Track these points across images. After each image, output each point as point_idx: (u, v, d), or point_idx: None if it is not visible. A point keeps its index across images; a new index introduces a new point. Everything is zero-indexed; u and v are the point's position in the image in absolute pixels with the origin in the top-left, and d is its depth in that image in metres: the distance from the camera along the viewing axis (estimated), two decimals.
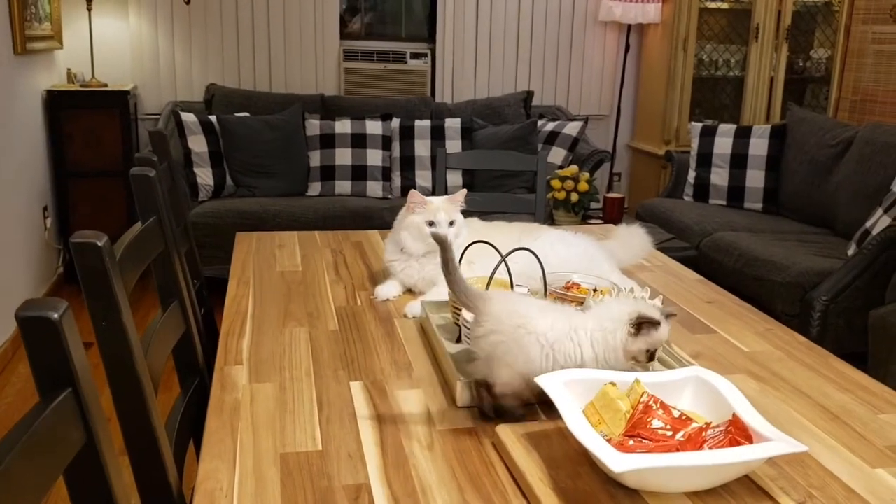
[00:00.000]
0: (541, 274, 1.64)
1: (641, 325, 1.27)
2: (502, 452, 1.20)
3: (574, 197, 3.88)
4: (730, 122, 5.12)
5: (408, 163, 4.63)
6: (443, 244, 1.31)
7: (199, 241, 4.00)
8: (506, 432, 1.23)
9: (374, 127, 4.58)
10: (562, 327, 1.27)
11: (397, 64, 5.17)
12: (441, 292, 1.80)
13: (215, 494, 1.10)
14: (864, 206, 3.75)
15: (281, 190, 4.45)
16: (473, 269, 1.87)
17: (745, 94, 5.27)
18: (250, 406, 1.35)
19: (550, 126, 4.81)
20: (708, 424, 1.11)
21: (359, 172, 4.53)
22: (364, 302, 1.88)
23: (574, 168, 3.99)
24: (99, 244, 1.01)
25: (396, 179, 4.64)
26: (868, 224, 3.51)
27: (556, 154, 4.69)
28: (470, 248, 1.79)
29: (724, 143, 4.47)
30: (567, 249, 1.98)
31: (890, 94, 4.59)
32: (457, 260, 1.32)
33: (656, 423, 1.09)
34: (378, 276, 2.04)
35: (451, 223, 1.89)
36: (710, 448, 1.06)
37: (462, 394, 1.36)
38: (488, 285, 1.46)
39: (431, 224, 1.87)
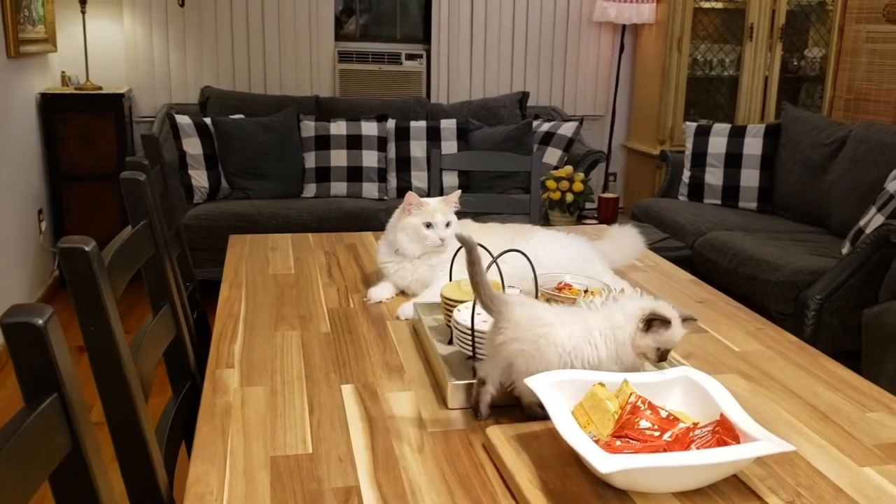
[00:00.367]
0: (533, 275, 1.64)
1: (652, 321, 1.27)
2: (492, 454, 1.21)
3: (569, 197, 3.88)
4: (725, 121, 5.13)
5: (403, 164, 4.63)
6: (468, 245, 1.31)
7: (193, 243, 4.00)
8: (496, 433, 1.23)
9: (369, 128, 4.58)
10: (579, 333, 1.28)
11: (392, 65, 5.18)
12: (434, 294, 1.81)
13: (205, 498, 1.10)
14: (858, 205, 3.76)
15: (276, 192, 4.45)
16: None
17: (740, 93, 5.28)
18: (241, 409, 1.35)
19: (546, 127, 4.82)
20: (695, 425, 1.12)
21: (354, 174, 4.53)
22: (357, 304, 1.88)
23: (569, 169, 4.00)
24: (86, 249, 1.01)
25: (392, 181, 4.64)
26: (862, 223, 3.52)
27: (552, 154, 4.69)
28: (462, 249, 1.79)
29: (718, 142, 4.48)
30: (560, 250, 1.98)
31: (884, 92, 4.60)
32: (482, 263, 1.31)
33: (644, 424, 1.10)
34: (371, 278, 2.04)
35: (447, 224, 1.89)
36: (698, 448, 1.06)
37: (453, 396, 1.37)
38: None
39: (429, 226, 1.87)
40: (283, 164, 4.48)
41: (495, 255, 1.59)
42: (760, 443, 1.05)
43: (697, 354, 1.62)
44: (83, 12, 4.46)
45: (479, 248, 1.73)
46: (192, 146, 4.33)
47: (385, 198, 4.55)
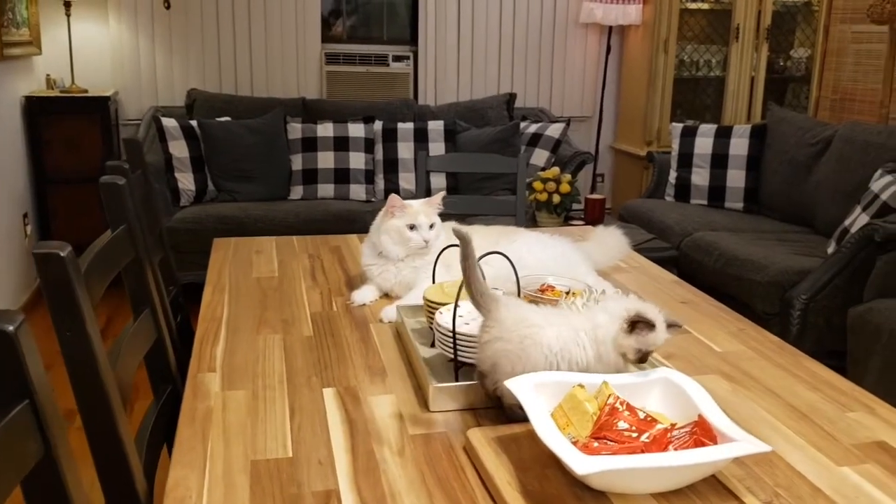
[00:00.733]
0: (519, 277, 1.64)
1: (636, 323, 1.27)
2: (472, 456, 1.21)
3: (556, 199, 3.89)
4: (711, 122, 5.14)
5: (391, 165, 4.63)
6: (463, 239, 1.31)
7: (180, 246, 3.99)
8: (476, 436, 1.23)
9: (356, 130, 4.58)
10: (567, 334, 1.28)
11: (379, 67, 5.18)
12: (417, 296, 1.81)
13: (184, 503, 1.10)
14: (844, 205, 3.78)
15: (263, 194, 4.44)
16: (451, 272, 1.88)
17: (726, 94, 5.29)
18: (222, 413, 1.35)
19: (533, 128, 4.82)
20: (673, 426, 1.12)
21: (341, 176, 4.53)
22: (340, 307, 1.88)
23: (555, 170, 4.00)
24: (62, 254, 1.00)
25: (379, 182, 4.64)
26: (847, 222, 3.54)
27: (539, 156, 4.70)
28: (447, 251, 1.79)
29: (704, 143, 4.50)
30: (544, 251, 1.98)
31: (869, 92, 4.63)
32: (476, 258, 1.31)
33: (622, 425, 1.10)
34: (355, 281, 2.04)
35: (431, 226, 1.89)
36: (675, 449, 1.07)
37: (435, 398, 1.37)
38: (461, 288, 1.46)
39: (412, 228, 1.87)
40: (270, 166, 4.47)
41: (479, 256, 1.59)
42: (737, 443, 1.05)
43: (679, 355, 1.63)
44: (68, 15, 4.44)
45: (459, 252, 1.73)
46: (179, 149, 4.32)
47: (372, 199, 4.55)
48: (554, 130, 4.76)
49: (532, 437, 1.23)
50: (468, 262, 1.30)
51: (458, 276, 1.65)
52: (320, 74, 5.12)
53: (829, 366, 1.66)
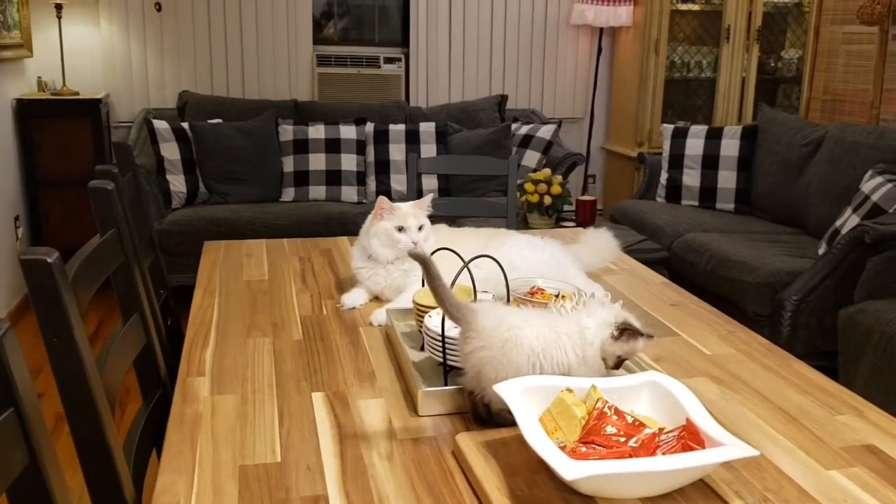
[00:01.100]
0: (508, 280, 1.64)
1: (624, 331, 1.29)
2: (461, 461, 1.21)
3: (547, 200, 3.89)
4: (702, 123, 5.16)
5: (382, 167, 4.63)
6: (424, 261, 1.30)
7: (171, 248, 3.99)
8: (465, 440, 1.23)
9: (348, 132, 4.57)
10: (548, 335, 1.28)
11: (371, 68, 5.17)
12: (407, 299, 1.81)
13: None
14: (835, 206, 3.79)
15: (254, 196, 4.43)
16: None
17: (717, 95, 5.31)
18: (211, 418, 1.35)
19: (524, 129, 4.83)
20: (661, 430, 1.12)
21: (333, 177, 4.52)
22: (330, 311, 1.88)
23: (547, 171, 4.00)
24: (49, 261, 1.00)
25: (371, 184, 4.63)
26: (838, 223, 3.55)
27: (531, 157, 4.70)
28: (436, 254, 1.79)
29: (695, 144, 4.50)
30: (533, 254, 1.98)
31: (859, 93, 4.64)
32: (441, 274, 1.31)
33: (610, 430, 1.10)
34: (345, 284, 2.04)
35: (420, 228, 1.89)
36: (663, 453, 1.07)
37: (424, 403, 1.37)
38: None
39: (401, 230, 1.87)
40: (262, 168, 4.47)
41: (468, 259, 1.59)
42: (724, 448, 1.05)
43: (668, 358, 1.63)
44: (59, 17, 4.43)
45: (450, 254, 1.73)
46: (170, 151, 4.31)
47: (364, 201, 4.55)
48: (545, 132, 4.76)
49: (521, 441, 1.23)
50: (435, 281, 1.29)
51: (448, 278, 1.65)
52: (312, 76, 5.11)
53: (819, 367, 1.67)
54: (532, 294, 1.75)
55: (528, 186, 3.92)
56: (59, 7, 4.40)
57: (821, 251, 3.53)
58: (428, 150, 4.64)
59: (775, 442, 1.30)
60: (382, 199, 1.88)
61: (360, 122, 4.65)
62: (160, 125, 4.32)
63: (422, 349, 1.60)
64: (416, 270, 1.87)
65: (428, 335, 1.49)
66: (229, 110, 4.68)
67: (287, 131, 4.54)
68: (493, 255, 1.62)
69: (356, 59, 5.15)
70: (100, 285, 1.41)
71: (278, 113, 4.67)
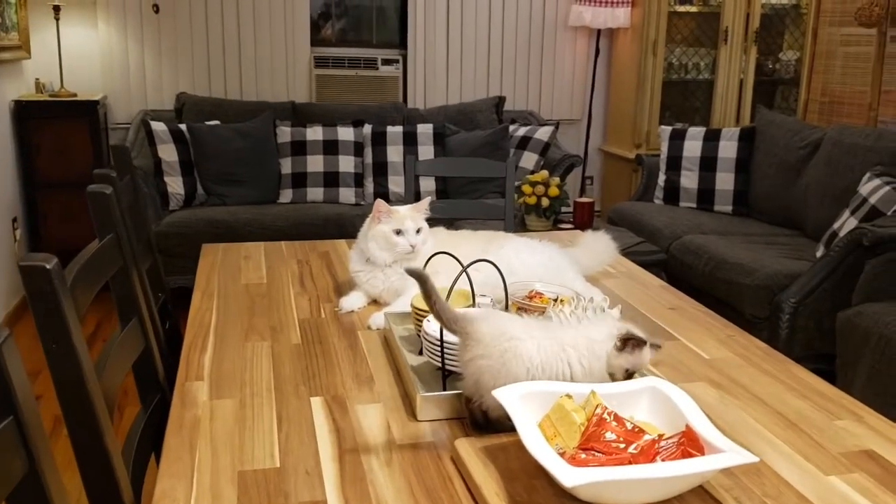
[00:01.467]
0: (507, 284, 1.64)
1: (627, 341, 1.28)
2: (460, 466, 1.21)
3: (545, 202, 3.89)
4: (700, 125, 5.16)
5: (380, 169, 4.63)
6: (420, 278, 1.30)
7: (169, 250, 3.98)
8: (464, 446, 1.23)
9: (345, 133, 4.57)
10: (550, 347, 1.27)
11: (369, 70, 5.17)
12: (405, 303, 1.80)
13: None
14: (833, 208, 3.79)
15: (252, 198, 4.43)
16: (439, 279, 1.87)
17: (715, 97, 5.31)
18: (210, 423, 1.35)
19: (522, 131, 4.83)
20: (661, 436, 1.12)
21: (331, 179, 4.52)
22: (328, 314, 1.87)
23: (544, 173, 4.00)
24: (47, 267, 1.00)
25: (369, 186, 4.63)
26: (836, 226, 3.55)
27: (528, 159, 4.70)
28: (434, 258, 1.79)
29: (693, 146, 4.51)
30: (532, 257, 1.98)
31: (857, 95, 4.65)
32: (437, 292, 1.30)
33: (609, 436, 1.10)
34: (343, 287, 2.03)
35: (418, 231, 1.89)
36: (663, 460, 1.07)
37: (422, 408, 1.36)
38: (448, 295, 1.47)
39: (399, 233, 1.87)
40: (260, 170, 4.46)
41: (466, 263, 1.59)
42: (724, 454, 1.05)
43: (667, 362, 1.63)
44: (57, 19, 4.42)
45: (448, 257, 1.73)
46: (168, 153, 4.30)
47: (362, 203, 4.55)
48: (543, 133, 4.76)
49: (520, 447, 1.23)
50: (431, 298, 1.29)
51: (447, 282, 1.65)
52: (310, 78, 5.11)
53: (817, 369, 1.67)
54: (530, 298, 1.75)
55: (526, 188, 3.92)
56: (57, 9, 4.40)
57: (819, 253, 3.53)
58: (425, 151, 4.64)
59: (774, 447, 1.30)
60: (380, 203, 1.88)
61: (357, 123, 4.65)
62: (158, 127, 4.31)
63: (420, 353, 1.60)
64: None
65: (426, 339, 1.49)
66: (227, 112, 4.68)
67: (285, 133, 4.54)
68: (492, 258, 1.62)
69: (354, 60, 5.15)
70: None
71: (276, 114, 4.67)
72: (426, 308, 1.61)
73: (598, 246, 2.22)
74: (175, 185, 4.31)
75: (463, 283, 1.63)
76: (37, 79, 4.57)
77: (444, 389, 1.43)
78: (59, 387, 1.06)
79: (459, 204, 3.14)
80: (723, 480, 1.17)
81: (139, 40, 4.82)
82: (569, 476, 0.99)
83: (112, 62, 4.80)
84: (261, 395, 1.45)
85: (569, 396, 1.19)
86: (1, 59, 3.97)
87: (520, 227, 3.91)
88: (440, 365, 1.45)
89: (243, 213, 4.18)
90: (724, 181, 4.45)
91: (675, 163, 4.55)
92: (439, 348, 1.43)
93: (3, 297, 3.94)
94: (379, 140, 4.63)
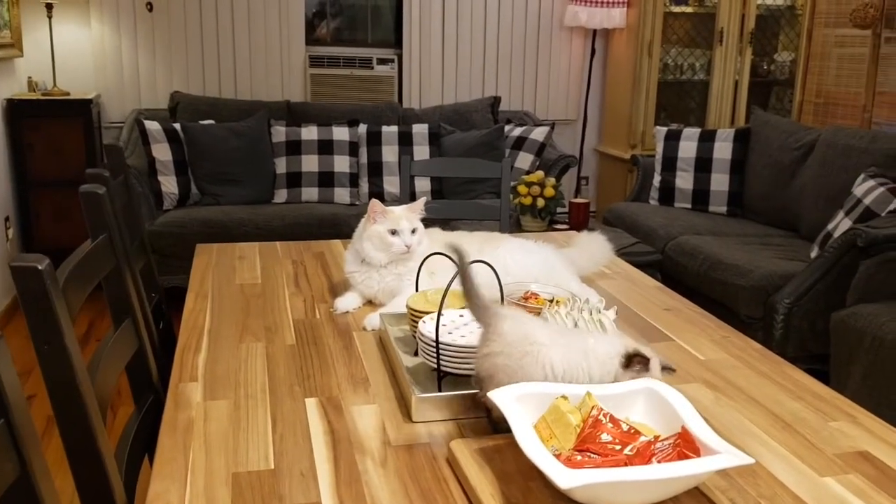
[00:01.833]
0: (502, 284, 1.64)
1: (632, 358, 1.27)
2: (455, 468, 1.20)
3: (540, 202, 3.89)
4: (696, 125, 5.16)
5: (375, 169, 4.62)
6: (460, 254, 1.30)
7: (163, 250, 3.97)
8: (459, 447, 1.22)
9: (340, 133, 4.56)
10: (575, 358, 1.27)
11: (364, 69, 5.16)
12: (401, 304, 1.80)
13: None
14: (827, 209, 3.80)
15: (247, 198, 4.42)
16: (434, 279, 1.88)
17: (710, 97, 5.31)
18: (204, 424, 1.34)
19: (517, 131, 4.82)
20: (657, 438, 1.12)
21: (326, 179, 4.51)
22: (323, 315, 1.87)
23: (540, 174, 4.00)
24: (39, 268, 0.99)
25: (364, 186, 4.62)
26: (830, 227, 3.56)
27: (524, 159, 4.70)
28: (430, 258, 1.78)
29: (688, 146, 4.51)
30: (527, 258, 1.98)
31: (851, 96, 4.66)
32: (470, 272, 1.30)
33: (605, 437, 1.10)
34: (338, 288, 2.03)
35: (413, 231, 1.89)
36: (659, 462, 1.06)
37: (418, 409, 1.36)
38: (444, 296, 1.46)
39: (394, 233, 1.86)
40: (254, 169, 4.45)
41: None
42: (720, 456, 1.05)
43: None
44: (49, 17, 4.40)
45: (445, 259, 1.73)
46: (162, 152, 4.29)
47: (357, 203, 4.54)
48: (538, 134, 4.76)
49: (515, 448, 1.22)
50: (468, 282, 1.29)
51: (442, 283, 1.65)
52: (304, 77, 5.10)
53: (811, 370, 1.67)
54: (526, 299, 1.75)
55: (522, 189, 3.92)
56: (49, 6, 4.38)
57: (813, 254, 3.53)
58: (421, 151, 4.64)
59: (769, 448, 1.29)
60: (375, 203, 1.87)
61: (352, 123, 4.64)
62: (152, 126, 4.30)
63: (416, 354, 1.59)
64: (410, 275, 1.86)
65: (422, 340, 1.48)
66: (221, 111, 4.66)
67: (279, 132, 4.53)
68: (487, 259, 1.62)
69: (349, 59, 5.14)
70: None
71: (271, 114, 4.66)
72: (422, 309, 1.61)
73: (594, 247, 2.22)
74: (169, 184, 4.30)
75: (459, 284, 1.63)
76: (29, 77, 4.55)
77: (440, 391, 1.42)
78: (51, 387, 1.05)
79: (455, 204, 3.14)
80: (718, 482, 1.17)
81: (133, 39, 4.80)
82: (564, 478, 0.99)
83: (105, 61, 4.78)
84: (255, 397, 1.44)
85: (564, 398, 1.19)
86: None
87: (515, 227, 3.90)
88: (435, 366, 1.44)
89: (238, 213, 4.17)
90: (719, 182, 4.46)
91: (670, 163, 4.55)
92: (435, 349, 1.43)
93: None
94: (374, 140, 4.62)
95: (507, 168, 2.88)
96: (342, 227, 4.12)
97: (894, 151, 3.62)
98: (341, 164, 4.53)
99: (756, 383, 1.54)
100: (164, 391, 1.52)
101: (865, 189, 3.47)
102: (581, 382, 1.26)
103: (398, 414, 1.39)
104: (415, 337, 1.60)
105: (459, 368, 1.42)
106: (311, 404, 1.41)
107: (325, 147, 4.52)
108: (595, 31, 5.41)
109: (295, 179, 4.50)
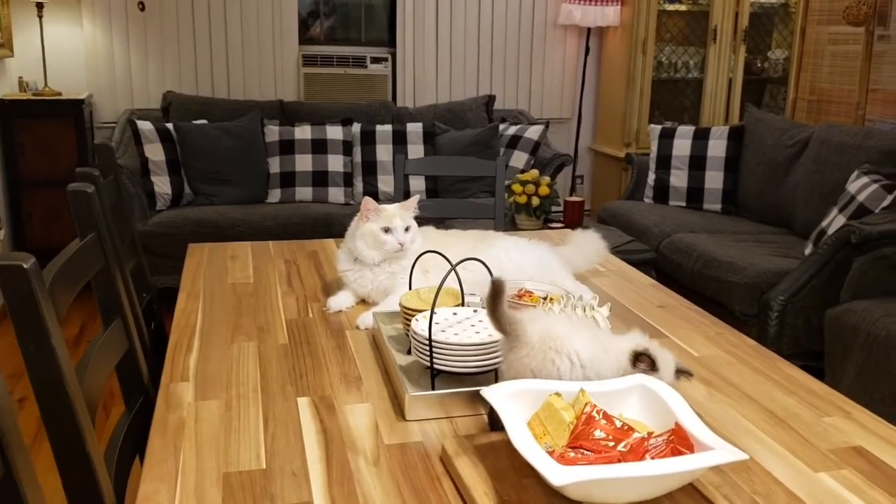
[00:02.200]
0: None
1: (639, 357, 1.27)
2: (448, 466, 1.19)
3: (535, 201, 3.88)
4: (690, 123, 5.16)
5: (369, 168, 4.61)
6: (497, 284, 1.29)
7: (156, 250, 3.95)
8: (453, 445, 1.22)
9: (334, 132, 4.55)
10: (596, 348, 1.28)
11: (357, 68, 5.15)
12: (394, 302, 1.79)
13: None
14: (821, 206, 3.80)
15: (240, 198, 4.40)
16: (428, 277, 1.87)
17: (704, 95, 5.31)
18: (195, 424, 1.33)
19: (512, 130, 4.82)
20: (650, 434, 1.11)
21: (319, 178, 4.50)
22: (316, 314, 1.86)
23: (534, 172, 3.99)
24: (25, 266, 0.98)
25: (358, 185, 4.61)
26: (824, 224, 3.55)
27: (518, 158, 4.69)
28: (424, 256, 1.77)
29: (682, 144, 4.51)
30: (522, 256, 1.97)
31: (845, 94, 4.66)
32: (506, 301, 1.31)
33: (598, 434, 1.09)
34: (331, 287, 2.02)
35: (407, 229, 1.88)
36: (652, 458, 1.06)
37: (411, 407, 1.35)
38: (437, 294, 1.45)
39: (387, 231, 1.85)
40: (247, 169, 4.44)
41: (456, 262, 1.57)
42: (713, 452, 1.04)
43: None
44: (40, 16, 4.38)
45: (438, 257, 1.72)
46: (154, 152, 4.27)
47: (351, 202, 4.53)
48: (533, 132, 4.75)
49: (509, 446, 1.22)
50: (496, 303, 1.29)
51: (435, 281, 1.64)
52: (298, 76, 5.09)
53: (806, 366, 1.66)
54: (520, 297, 1.74)
55: (516, 187, 3.91)
56: (40, 6, 4.35)
57: (807, 251, 3.53)
58: (415, 150, 4.63)
59: (763, 444, 1.29)
60: (368, 201, 1.86)
61: (346, 122, 4.63)
62: (144, 126, 4.28)
63: (409, 353, 1.58)
64: (403, 273, 1.85)
65: (415, 339, 1.47)
66: (214, 111, 4.64)
67: (273, 132, 4.52)
68: (481, 257, 1.61)
69: (342, 58, 5.13)
70: (82, 288, 1.39)
71: (264, 113, 4.64)
72: (414, 307, 1.60)
73: (588, 244, 2.21)
74: (162, 184, 4.28)
75: (452, 282, 1.62)
76: (20, 77, 4.53)
77: (433, 389, 1.41)
78: (38, 389, 1.04)
79: (449, 203, 3.13)
80: (712, 478, 1.17)
81: (125, 38, 4.78)
82: (557, 475, 0.98)
83: (97, 60, 4.76)
84: (247, 396, 1.43)
85: (558, 395, 1.18)
86: None
87: (510, 226, 3.89)
88: (429, 364, 1.43)
89: (231, 213, 4.16)
90: (714, 180, 4.46)
91: (664, 161, 4.55)
92: (428, 348, 1.42)
93: None
94: (368, 139, 4.61)
95: (501, 166, 2.87)
96: (336, 226, 4.11)
97: (887, 148, 3.62)
98: (335, 163, 4.52)
99: (750, 379, 1.54)
100: (156, 392, 1.51)
101: (859, 186, 3.47)
102: (604, 371, 1.27)
103: (391, 413, 1.38)
104: (408, 335, 1.59)
105: (453, 366, 1.41)
106: (304, 404, 1.41)
107: (319, 146, 4.51)
108: (589, 30, 5.41)
109: (289, 179, 4.48)
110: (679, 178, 4.51)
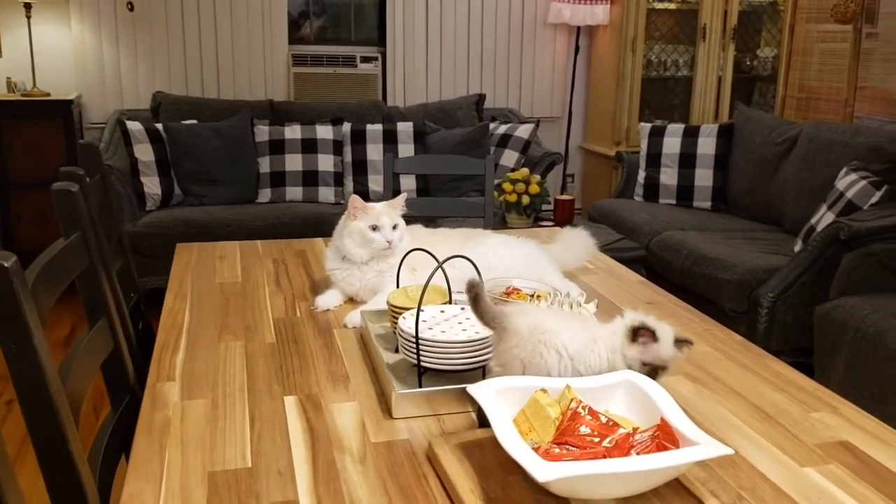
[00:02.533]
0: (484, 280, 1.62)
1: (638, 331, 1.27)
2: (435, 464, 1.19)
3: (525, 200, 3.88)
4: (680, 121, 5.17)
5: (360, 168, 4.60)
6: (473, 287, 1.32)
7: (146, 251, 3.94)
8: (439, 443, 1.21)
9: (324, 132, 4.54)
10: (583, 339, 1.29)
11: (347, 68, 5.14)
12: (382, 301, 1.79)
13: None
14: (810, 203, 3.81)
15: (230, 198, 4.39)
16: (416, 275, 1.87)
17: (694, 93, 5.32)
18: (181, 424, 1.32)
19: (502, 129, 4.82)
20: (635, 430, 1.11)
21: (310, 178, 4.49)
22: (304, 313, 1.85)
23: (525, 171, 3.99)
24: (5, 265, 0.97)
25: (349, 184, 4.60)
26: (813, 221, 3.56)
27: (509, 157, 4.69)
28: (411, 255, 1.77)
29: (672, 142, 4.52)
30: (510, 254, 1.97)
31: (833, 91, 4.67)
32: (485, 297, 1.32)
33: (584, 430, 1.09)
34: (319, 286, 2.01)
35: (395, 227, 1.87)
36: (637, 454, 1.06)
37: (398, 405, 1.35)
38: (423, 292, 1.45)
39: (375, 229, 1.85)
40: (237, 169, 4.42)
41: (442, 260, 1.57)
42: (698, 447, 1.04)
43: None
44: (28, 17, 4.36)
45: (426, 255, 1.72)
46: (144, 152, 4.26)
47: (341, 202, 4.52)
48: (523, 131, 4.76)
49: (495, 443, 1.21)
50: (479, 304, 1.31)
51: (422, 279, 1.63)
52: (287, 76, 5.07)
53: (795, 363, 1.66)
54: (507, 294, 1.74)
55: (507, 186, 3.91)
56: (28, 6, 4.34)
57: (796, 248, 3.54)
58: (405, 149, 4.62)
59: (750, 440, 1.29)
60: (355, 199, 1.86)
61: (336, 122, 4.62)
62: (134, 126, 4.27)
63: (396, 351, 1.58)
64: (391, 272, 1.85)
65: (402, 337, 1.47)
66: (204, 111, 4.63)
67: (263, 132, 4.51)
68: (469, 255, 1.61)
69: (332, 58, 5.12)
70: (73, 290, 1.38)
71: (254, 113, 4.63)
72: (402, 305, 1.60)
73: (577, 242, 2.21)
74: (151, 185, 4.26)
75: (440, 280, 1.62)
76: (8, 78, 4.51)
77: (420, 387, 1.41)
78: (20, 390, 1.04)
79: (439, 202, 3.12)
80: (698, 473, 1.17)
81: (114, 38, 4.76)
82: (542, 471, 0.98)
83: (86, 61, 4.74)
84: (233, 396, 1.42)
85: (544, 391, 1.18)
86: None
87: (500, 224, 3.89)
88: (416, 362, 1.43)
89: (221, 213, 4.14)
90: (703, 177, 4.46)
91: (654, 160, 4.55)
92: (415, 345, 1.42)
93: None
94: (358, 138, 4.60)
95: (490, 165, 2.87)
96: (326, 226, 4.09)
97: (876, 145, 3.63)
98: (325, 163, 4.51)
99: (737, 375, 1.54)
100: (142, 392, 1.50)
101: (848, 183, 3.48)
102: (591, 361, 1.28)
103: (378, 411, 1.38)
104: (395, 333, 1.59)
105: (440, 364, 1.41)
106: (290, 402, 1.40)
107: (309, 146, 4.50)
108: (579, 28, 5.41)
109: (279, 179, 4.47)
110: (669, 176, 4.52)
